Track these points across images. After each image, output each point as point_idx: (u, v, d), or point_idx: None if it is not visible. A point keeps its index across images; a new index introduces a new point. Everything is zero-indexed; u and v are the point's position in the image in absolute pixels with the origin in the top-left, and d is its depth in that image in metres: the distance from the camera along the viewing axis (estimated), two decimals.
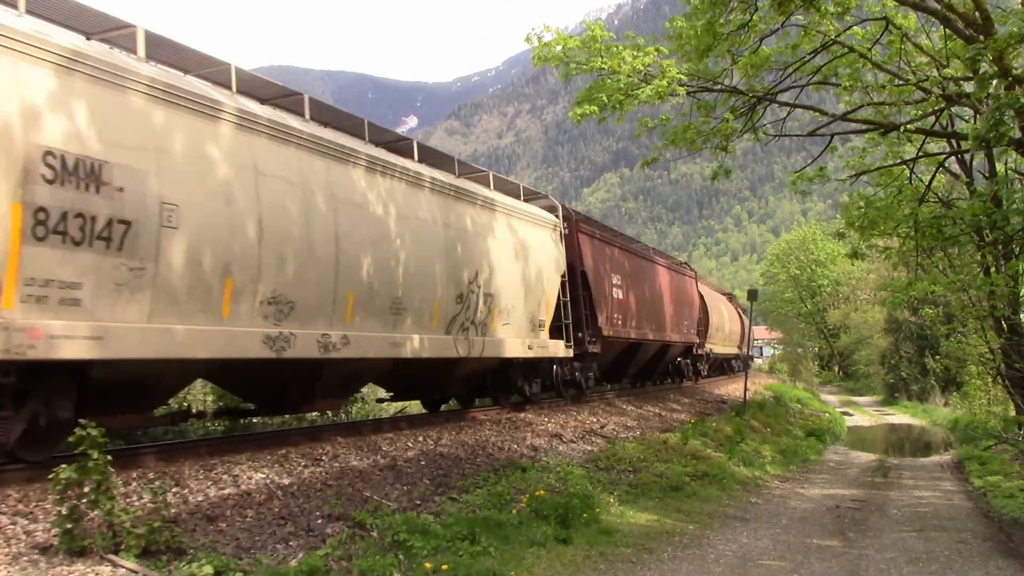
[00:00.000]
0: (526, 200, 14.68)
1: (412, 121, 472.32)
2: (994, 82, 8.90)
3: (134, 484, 6.47)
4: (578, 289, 15.50)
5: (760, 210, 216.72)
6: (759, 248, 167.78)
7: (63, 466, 5.22)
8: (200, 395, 12.36)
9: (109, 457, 5.35)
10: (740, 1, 10.32)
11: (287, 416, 11.69)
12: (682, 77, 11.10)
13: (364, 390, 13.65)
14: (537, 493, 8.05)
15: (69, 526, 5.12)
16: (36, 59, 6.05)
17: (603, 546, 7.10)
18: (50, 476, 5.24)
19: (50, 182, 5.97)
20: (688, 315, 24.45)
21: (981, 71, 8.86)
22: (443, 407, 14.05)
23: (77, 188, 6.14)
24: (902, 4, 11.09)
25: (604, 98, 11.28)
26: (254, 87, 8.92)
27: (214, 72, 8.35)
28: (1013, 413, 17.54)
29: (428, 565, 5.71)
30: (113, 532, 5.21)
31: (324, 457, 8.42)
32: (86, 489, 5.23)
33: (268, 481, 7.24)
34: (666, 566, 6.77)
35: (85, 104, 6.32)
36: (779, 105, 12.23)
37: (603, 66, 11.38)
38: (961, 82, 11.52)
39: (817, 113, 12.52)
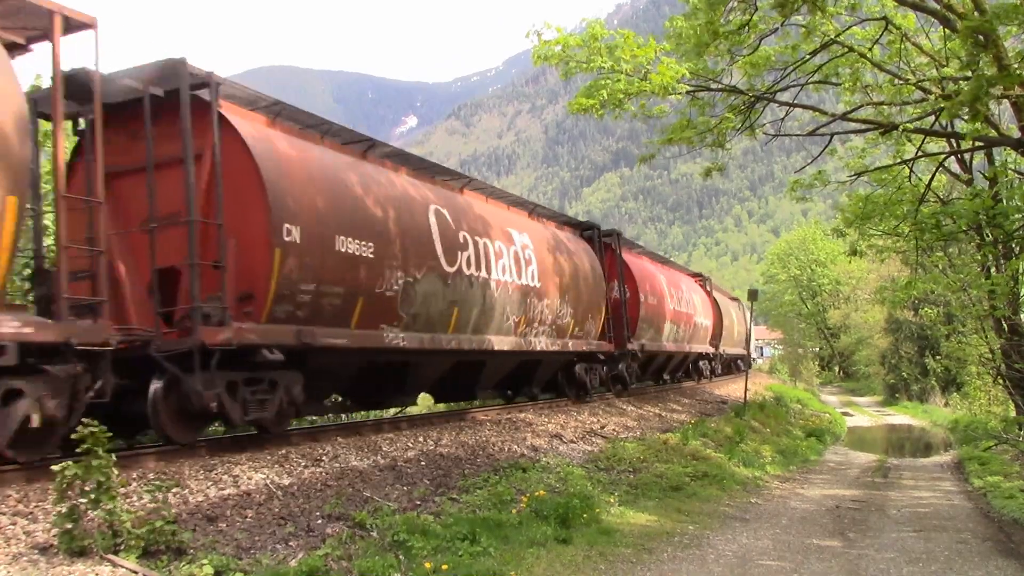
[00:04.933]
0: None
1: (412, 121, 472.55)
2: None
3: (134, 484, 6.47)
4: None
5: (760, 210, 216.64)
6: (759, 248, 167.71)
7: (68, 463, 5.22)
8: None
9: (114, 457, 5.36)
10: (740, 1, 10.34)
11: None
12: (685, 74, 11.12)
13: None
14: (537, 493, 8.05)
15: (69, 526, 5.13)
16: None
17: (603, 546, 7.10)
18: (54, 469, 5.23)
19: None
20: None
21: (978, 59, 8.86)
22: None
23: None
24: (902, 4, 11.11)
25: (604, 95, 11.30)
26: None
27: None
28: (1013, 413, 17.55)
29: (428, 565, 5.71)
30: (113, 532, 5.21)
31: (324, 457, 8.42)
32: (87, 488, 5.23)
33: (268, 481, 7.24)
34: (666, 566, 6.78)
35: None
36: (778, 104, 12.25)
37: (603, 65, 11.40)
38: (960, 82, 11.54)
39: (817, 113, 12.53)
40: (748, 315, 38.42)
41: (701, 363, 28.20)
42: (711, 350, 28.28)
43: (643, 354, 19.53)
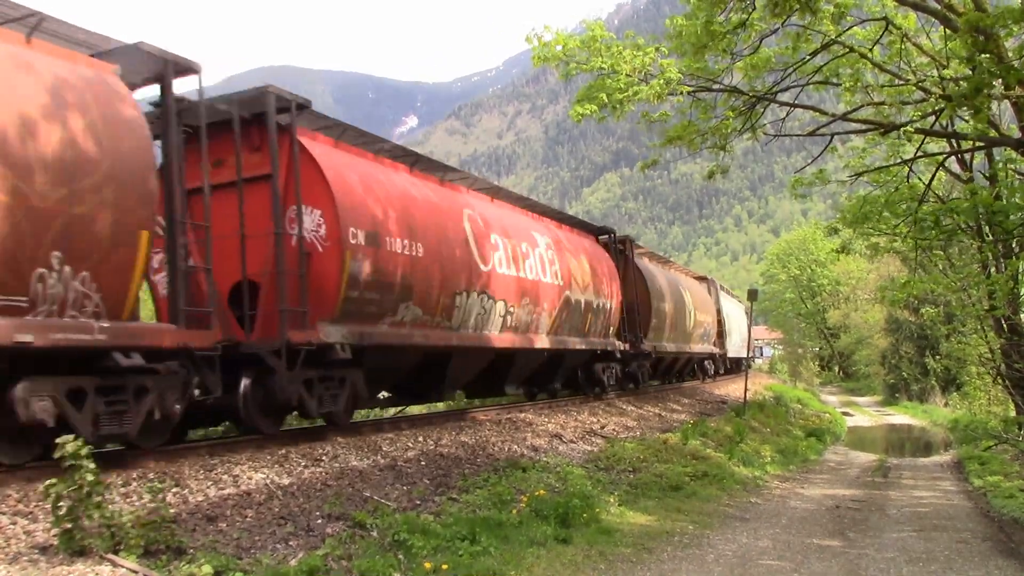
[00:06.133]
0: None
1: (412, 121, 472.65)
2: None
3: (134, 484, 6.47)
4: None
5: (760, 210, 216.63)
6: (759, 248, 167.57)
7: (52, 480, 5.20)
8: None
9: (92, 466, 5.27)
10: (737, 1, 10.34)
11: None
12: (681, 76, 11.12)
13: None
14: (537, 493, 8.05)
15: (68, 526, 5.13)
16: None
17: (603, 546, 7.10)
18: (41, 489, 5.24)
19: None
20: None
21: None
22: None
23: None
24: (902, 4, 11.11)
25: (604, 97, 11.31)
26: None
27: None
28: (1013, 413, 17.56)
29: (428, 565, 5.71)
30: (112, 532, 5.22)
31: (324, 457, 8.43)
32: (81, 497, 5.22)
33: (268, 481, 7.25)
34: (666, 566, 6.77)
35: None
36: (779, 105, 12.25)
37: (603, 65, 11.42)
38: (961, 82, 11.54)
39: (817, 113, 12.54)
40: (726, 301, 33.30)
41: (600, 367, 17.26)
42: (620, 346, 17.78)
43: (351, 350, 9.44)
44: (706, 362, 29.45)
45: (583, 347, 16.05)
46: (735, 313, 36.13)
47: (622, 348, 18.11)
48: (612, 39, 11.85)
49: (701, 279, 31.21)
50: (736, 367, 37.50)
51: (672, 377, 26.02)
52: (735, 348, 34.36)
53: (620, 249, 19.44)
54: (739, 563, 7.02)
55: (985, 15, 8.01)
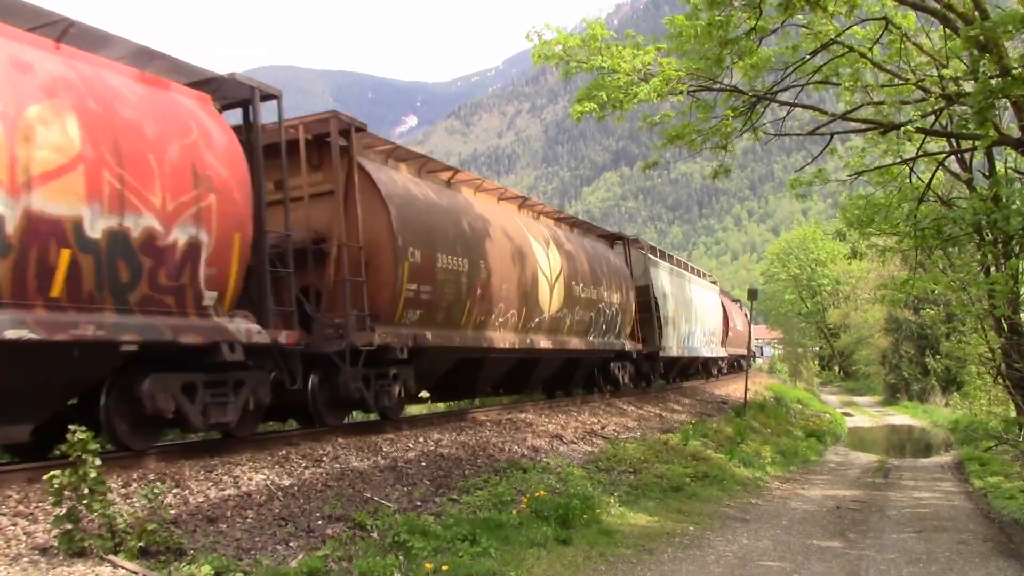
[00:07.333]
0: None
1: (412, 121, 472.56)
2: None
3: (134, 485, 6.46)
4: None
5: (760, 209, 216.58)
6: (759, 248, 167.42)
7: (56, 472, 5.21)
8: None
9: (99, 462, 5.32)
10: (744, 2, 10.32)
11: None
12: (680, 75, 11.12)
13: None
14: (537, 494, 8.05)
15: (68, 527, 5.12)
16: None
17: (603, 547, 7.10)
18: (45, 479, 5.24)
19: None
20: None
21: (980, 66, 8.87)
22: None
23: None
24: (902, 4, 11.11)
25: (604, 96, 11.30)
26: None
27: None
28: (1014, 414, 17.55)
29: (428, 566, 5.71)
30: (112, 533, 5.21)
31: (325, 458, 8.42)
32: (83, 492, 5.22)
33: (268, 482, 7.24)
34: (666, 567, 6.77)
35: None
36: (779, 105, 12.25)
37: (603, 64, 11.42)
38: (961, 81, 11.53)
39: (817, 112, 12.53)
40: (665, 275, 22.53)
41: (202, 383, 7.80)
42: (243, 336, 7.73)
43: None
44: (613, 366, 18.50)
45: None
46: (689, 295, 25.13)
47: (252, 340, 7.97)
48: (612, 38, 11.85)
49: (615, 238, 19.61)
50: (704, 371, 30.28)
51: (532, 386, 15.74)
52: (689, 344, 24.26)
53: (322, 140, 9.94)
54: (739, 564, 7.02)
55: (988, 23, 7.99)
